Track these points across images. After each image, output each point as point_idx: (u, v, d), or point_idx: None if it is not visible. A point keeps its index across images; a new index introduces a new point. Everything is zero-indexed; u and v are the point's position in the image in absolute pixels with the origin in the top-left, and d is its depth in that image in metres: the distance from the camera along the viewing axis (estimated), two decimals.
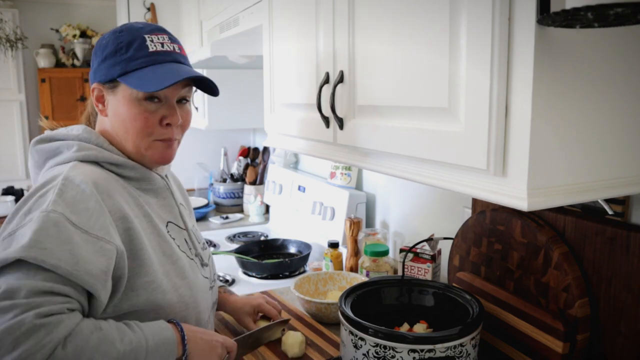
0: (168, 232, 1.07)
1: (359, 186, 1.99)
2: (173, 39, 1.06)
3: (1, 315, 0.76)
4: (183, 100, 1.06)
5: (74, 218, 0.87)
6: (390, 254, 1.71)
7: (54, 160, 1.02)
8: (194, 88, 1.10)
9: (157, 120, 1.02)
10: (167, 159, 1.07)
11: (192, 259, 1.10)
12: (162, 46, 1.02)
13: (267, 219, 2.63)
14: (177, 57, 1.04)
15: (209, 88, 1.11)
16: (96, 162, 1.01)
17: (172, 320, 0.97)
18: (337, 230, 1.89)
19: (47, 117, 4.67)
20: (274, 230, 2.51)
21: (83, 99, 4.57)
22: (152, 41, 1.02)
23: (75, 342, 0.80)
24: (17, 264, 0.81)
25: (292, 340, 1.25)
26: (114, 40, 1.02)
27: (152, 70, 1.00)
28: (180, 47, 1.07)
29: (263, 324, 1.33)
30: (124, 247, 0.93)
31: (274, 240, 2.14)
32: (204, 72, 2.40)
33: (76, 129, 1.06)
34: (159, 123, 1.03)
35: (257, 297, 1.39)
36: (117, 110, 1.03)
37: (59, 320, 0.80)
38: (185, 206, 1.22)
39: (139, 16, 2.83)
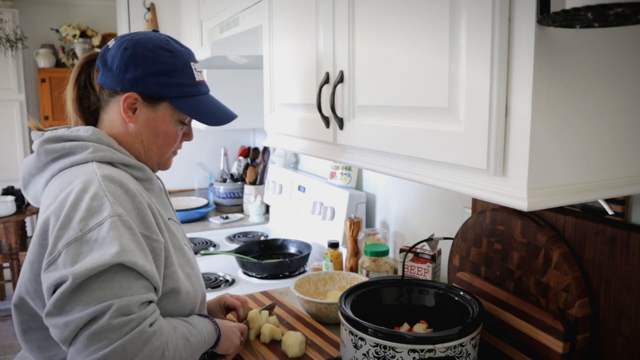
0: (171, 227, 1.12)
1: (359, 186, 1.99)
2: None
3: (120, 329, 0.85)
4: None
5: (132, 220, 0.94)
6: (390, 254, 1.71)
7: (65, 161, 1.02)
8: None
9: (180, 137, 1.15)
10: (169, 167, 1.20)
11: (190, 250, 1.18)
12: (201, 75, 1.14)
13: (267, 219, 2.63)
14: (208, 87, 1.17)
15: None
16: (110, 163, 1.04)
17: (201, 314, 1.13)
18: (337, 230, 1.89)
19: (47, 118, 4.67)
20: (274, 230, 2.51)
21: None
22: (195, 70, 1.12)
23: (172, 342, 0.93)
24: (109, 272, 0.88)
25: (292, 340, 1.25)
26: (165, 59, 1.06)
27: (202, 101, 1.12)
28: None
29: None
30: None
31: (274, 240, 2.13)
32: (204, 73, 2.40)
33: (84, 130, 1.06)
34: (180, 140, 1.16)
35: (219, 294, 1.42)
36: (154, 124, 1.09)
37: (160, 325, 0.92)
38: None
39: (139, 16, 2.83)
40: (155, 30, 1.14)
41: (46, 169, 1.05)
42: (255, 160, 2.88)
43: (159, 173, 1.20)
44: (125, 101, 1.06)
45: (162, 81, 1.06)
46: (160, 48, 1.07)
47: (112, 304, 0.85)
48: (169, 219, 1.13)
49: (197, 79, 1.12)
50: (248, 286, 1.80)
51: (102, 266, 0.86)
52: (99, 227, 0.90)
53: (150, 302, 0.92)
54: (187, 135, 1.17)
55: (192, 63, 1.11)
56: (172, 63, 1.07)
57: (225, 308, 1.38)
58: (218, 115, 1.14)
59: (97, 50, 1.16)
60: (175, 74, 1.07)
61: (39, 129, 1.10)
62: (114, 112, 1.09)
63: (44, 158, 1.04)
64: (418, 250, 1.41)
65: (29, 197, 1.12)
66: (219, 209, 2.83)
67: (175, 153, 1.18)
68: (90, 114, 1.13)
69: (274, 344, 1.31)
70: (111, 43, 1.10)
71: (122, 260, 0.87)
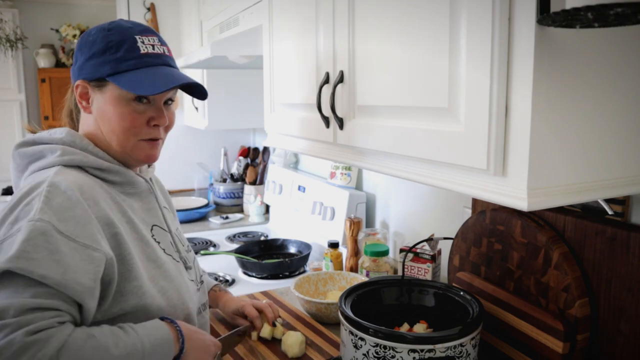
0: (153, 235, 1.06)
1: (359, 186, 1.99)
2: (162, 42, 1.06)
3: None
4: (169, 102, 1.07)
5: (62, 226, 0.86)
6: (390, 254, 1.71)
7: (36, 164, 1.00)
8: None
9: (145, 120, 1.03)
10: (151, 159, 1.07)
11: (177, 262, 1.09)
12: (153, 48, 1.02)
13: (267, 219, 2.63)
14: (167, 60, 1.05)
15: (198, 92, 1.12)
16: (80, 167, 0.99)
17: (166, 318, 0.98)
18: (337, 230, 1.89)
19: (47, 118, 4.67)
20: (274, 230, 2.51)
21: None
22: (143, 43, 1.01)
23: (68, 353, 0.81)
24: (5, 276, 0.81)
25: (292, 340, 1.25)
26: (103, 38, 1.00)
27: (145, 72, 1.00)
28: (169, 50, 1.08)
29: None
30: (113, 253, 0.93)
31: (274, 240, 2.14)
32: (204, 73, 2.40)
33: (59, 132, 1.03)
34: (147, 124, 1.03)
35: (246, 299, 1.38)
36: (104, 109, 1.02)
37: (49, 335, 0.80)
38: (168, 209, 1.21)
39: (139, 16, 2.83)
40: (121, 19, 1.08)
41: (26, 171, 1.02)
42: (255, 160, 2.88)
43: (157, 174, 1.17)
44: (76, 90, 1.03)
45: (99, 61, 1.00)
46: (101, 29, 1.02)
47: None
48: (154, 225, 1.07)
49: (143, 51, 1.01)
50: (248, 286, 1.80)
51: None
52: (17, 232, 0.85)
53: (44, 309, 0.82)
54: (156, 119, 1.03)
55: (138, 36, 1.01)
56: (108, 40, 1.00)
57: (242, 316, 1.35)
58: (155, 83, 0.99)
59: None
60: (111, 51, 0.99)
61: (32, 132, 1.08)
62: (81, 108, 1.06)
63: (19, 161, 1.02)
64: (418, 250, 1.41)
65: None
66: (219, 209, 2.83)
67: (153, 142, 1.05)
68: (78, 118, 1.11)
69: (274, 344, 1.31)
70: None
71: (11, 267, 0.80)
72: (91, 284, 0.87)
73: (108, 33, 1.01)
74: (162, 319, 0.97)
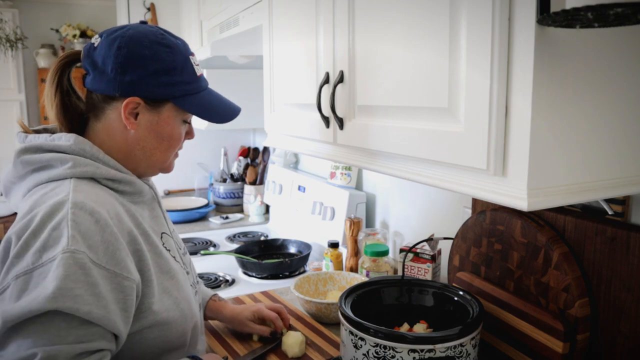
0: (164, 244, 1.03)
1: (359, 186, 1.99)
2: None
3: None
4: None
5: (92, 254, 0.84)
6: (390, 254, 1.71)
7: (42, 174, 0.95)
8: None
9: (184, 137, 1.08)
10: (172, 169, 1.12)
11: (183, 269, 1.08)
12: (199, 69, 1.05)
13: (267, 219, 2.63)
14: (207, 81, 1.09)
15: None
16: (92, 178, 0.95)
17: (192, 355, 1.01)
18: (337, 230, 1.89)
19: (47, 118, 4.67)
20: (274, 230, 2.51)
21: None
22: (194, 63, 1.03)
23: None
24: (47, 315, 0.79)
25: (292, 340, 1.25)
26: (164, 56, 0.97)
27: (203, 98, 1.04)
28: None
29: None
30: (138, 270, 0.92)
31: (274, 240, 2.14)
32: (204, 73, 2.40)
33: (65, 138, 0.96)
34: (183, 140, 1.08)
35: (253, 303, 1.37)
36: (156, 128, 1.00)
37: None
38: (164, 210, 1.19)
39: (139, 16, 2.83)
40: (143, 22, 1.04)
41: (26, 179, 0.97)
42: (255, 160, 2.88)
43: (155, 179, 1.15)
44: (127, 107, 0.96)
45: (164, 81, 0.97)
46: (157, 44, 0.97)
47: (35, 353, 0.77)
48: (162, 233, 1.05)
49: (198, 74, 1.03)
50: (248, 286, 1.80)
51: (33, 312, 0.78)
52: (50, 263, 0.81)
53: (90, 352, 0.82)
54: (189, 134, 1.09)
55: (190, 57, 1.02)
56: (171, 60, 0.97)
57: (260, 319, 1.34)
58: (225, 111, 1.07)
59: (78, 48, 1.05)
60: (176, 72, 0.98)
61: (25, 131, 1.02)
62: (113, 119, 0.99)
63: (21, 169, 0.97)
64: (418, 250, 1.41)
65: (10, 204, 1.03)
66: (219, 209, 2.83)
67: (177, 155, 1.09)
68: (76, 121, 1.04)
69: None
70: (96, 41, 0.99)
71: (57, 307, 0.78)
72: (124, 314, 0.87)
73: (169, 51, 0.98)
74: (190, 356, 1.00)
